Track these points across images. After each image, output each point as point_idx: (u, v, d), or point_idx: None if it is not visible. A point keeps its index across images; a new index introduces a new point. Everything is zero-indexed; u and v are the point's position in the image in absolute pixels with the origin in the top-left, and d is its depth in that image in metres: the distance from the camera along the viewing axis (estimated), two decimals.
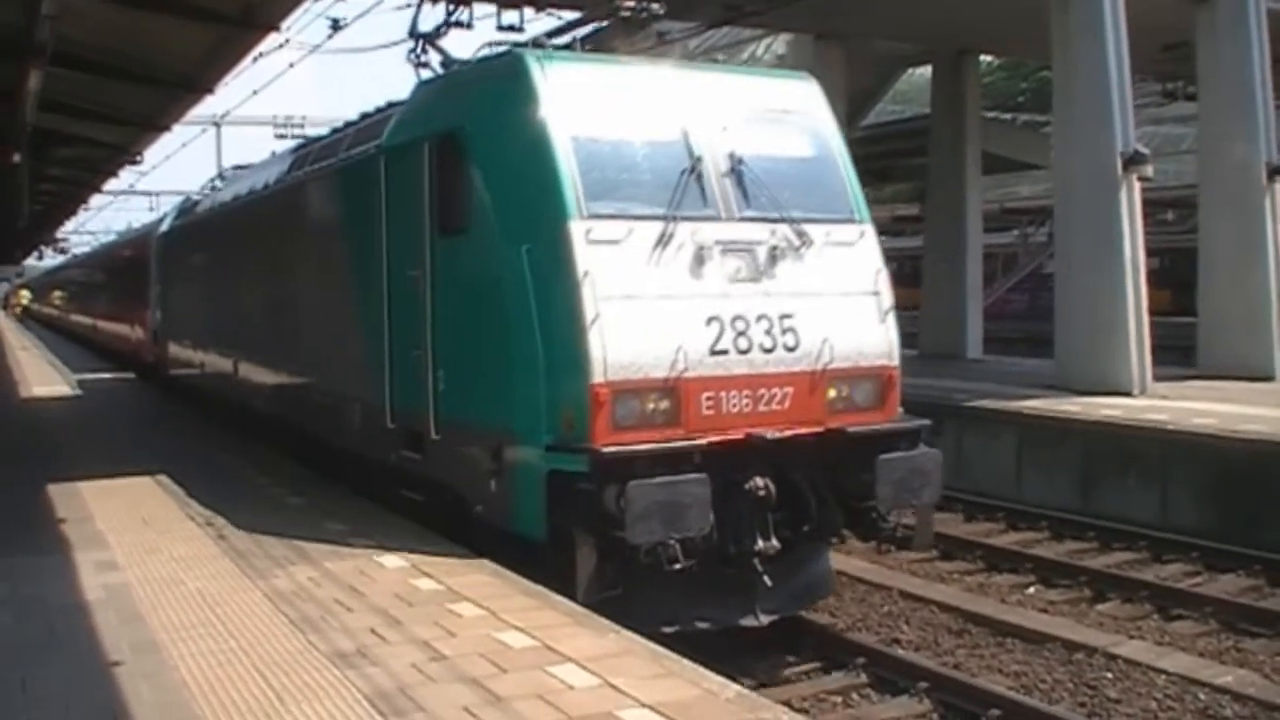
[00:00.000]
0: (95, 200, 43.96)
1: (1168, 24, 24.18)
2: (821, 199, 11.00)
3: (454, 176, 10.79)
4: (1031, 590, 13.30)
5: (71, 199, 38.76)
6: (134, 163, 28.28)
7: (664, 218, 9.99)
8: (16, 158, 20.48)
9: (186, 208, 26.41)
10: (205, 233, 22.36)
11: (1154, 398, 19.75)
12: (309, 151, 16.14)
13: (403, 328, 11.77)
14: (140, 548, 10.98)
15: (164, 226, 27.97)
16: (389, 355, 12.09)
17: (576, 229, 9.64)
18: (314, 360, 15.13)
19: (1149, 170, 20.84)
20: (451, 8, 13.61)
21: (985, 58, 37.66)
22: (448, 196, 10.94)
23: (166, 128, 21.98)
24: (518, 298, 9.80)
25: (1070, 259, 21.69)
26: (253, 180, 19.12)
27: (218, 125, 46.58)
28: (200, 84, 17.82)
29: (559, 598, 9.03)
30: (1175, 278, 36.52)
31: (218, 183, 25.08)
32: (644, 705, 6.80)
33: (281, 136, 42.92)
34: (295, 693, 7.11)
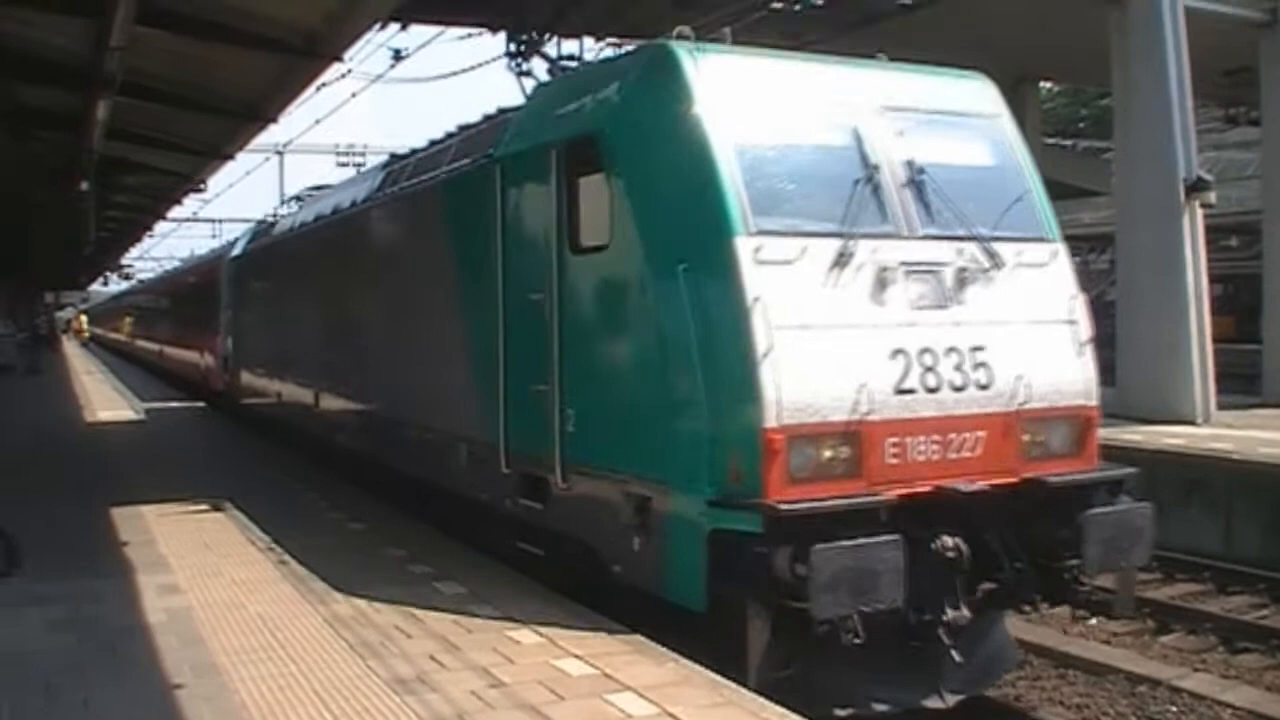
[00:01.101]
0: (159, 227, 44.54)
1: (1230, 48, 23.98)
2: (1008, 214, 9.64)
3: (589, 187, 9.63)
4: (1093, 621, 13.12)
5: (136, 226, 39.30)
6: (198, 190, 28.64)
7: (841, 235, 8.71)
8: (84, 185, 20.83)
9: (261, 230, 25.74)
10: (283, 255, 21.40)
11: (1218, 426, 19.52)
12: (403, 166, 14.97)
13: (522, 359, 10.50)
14: (202, 571, 11.08)
15: (236, 250, 27.22)
16: (504, 390, 10.83)
17: (744, 247, 8.37)
18: (409, 393, 13.99)
19: (1212, 196, 20.66)
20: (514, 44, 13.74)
21: (1045, 84, 37.41)
22: (581, 210, 9.76)
23: (230, 156, 22.22)
24: (674, 324, 8.56)
25: (1132, 286, 21.50)
26: (337, 199, 18.21)
27: (280, 153, 47.03)
28: (264, 113, 18.01)
29: (615, 625, 9.02)
30: (1239, 304, 36.16)
31: (292, 206, 24.59)
32: None
33: (343, 165, 43.40)
34: (354, 717, 7.14)
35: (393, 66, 22.87)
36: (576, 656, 8.22)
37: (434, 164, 13.33)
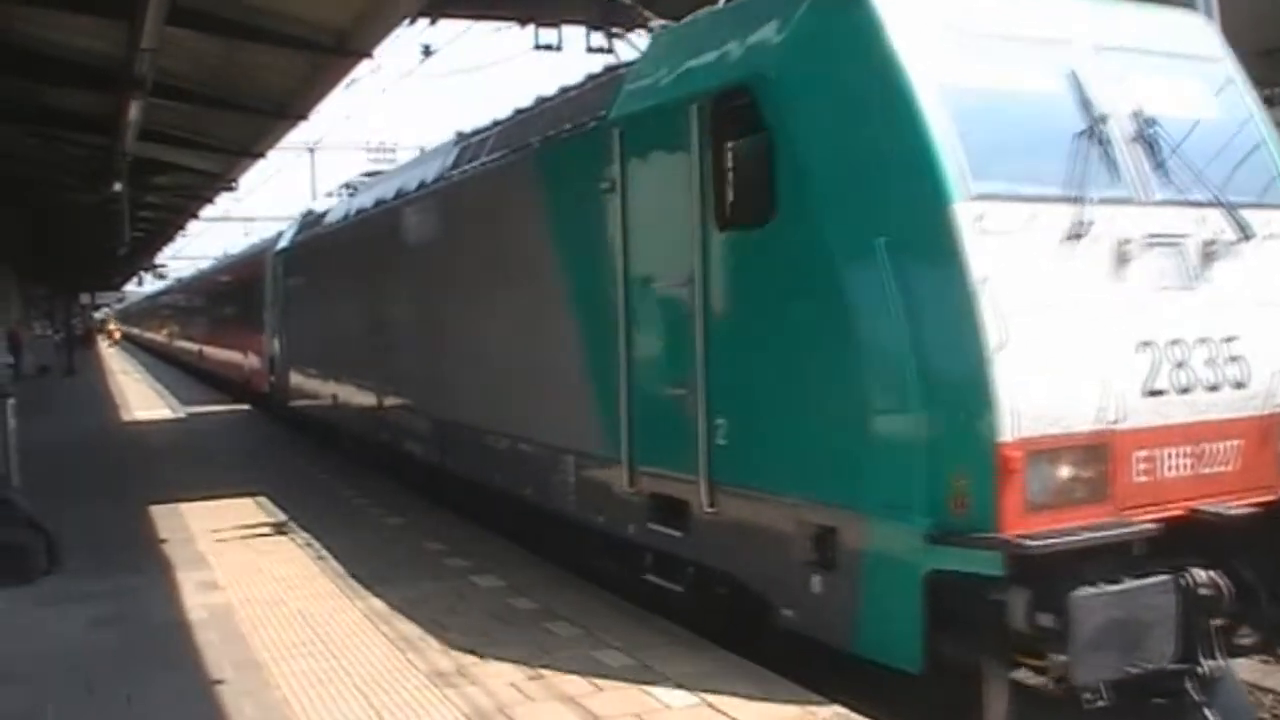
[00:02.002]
0: (192, 226, 44.74)
1: (1267, 27, 23.73)
2: (1247, 175, 7.92)
3: (744, 149, 7.89)
4: None
5: (169, 225, 39.50)
6: (229, 189, 28.76)
7: (1073, 199, 7.07)
8: (117, 186, 20.92)
9: (311, 220, 23.38)
10: (339, 246, 19.42)
11: None
12: (483, 139, 13.14)
13: (652, 358, 8.95)
14: (241, 568, 11.15)
15: (283, 243, 25.16)
16: (626, 395, 9.19)
17: (964, 214, 6.75)
18: (498, 398, 12.16)
19: None
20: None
21: None
22: (732, 177, 8.01)
23: (261, 154, 22.27)
24: (871, 313, 6.98)
25: None
26: (401, 181, 16.37)
27: (311, 151, 47.19)
28: (294, 111, 18.03)
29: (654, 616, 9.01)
30: None
31: (341, 196, 22.44)
32: None
33: (374, 162, 43.47)
34: (395, 710, 7.16)
35: (422, 62, 22.82)
36: (615, 648, 8.22)
37: (524, 134, 11.68)
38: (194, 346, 48.40)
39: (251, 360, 29.98)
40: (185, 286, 56.97)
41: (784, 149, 7.54)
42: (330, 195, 23.97)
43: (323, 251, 20.81)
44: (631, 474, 9.22)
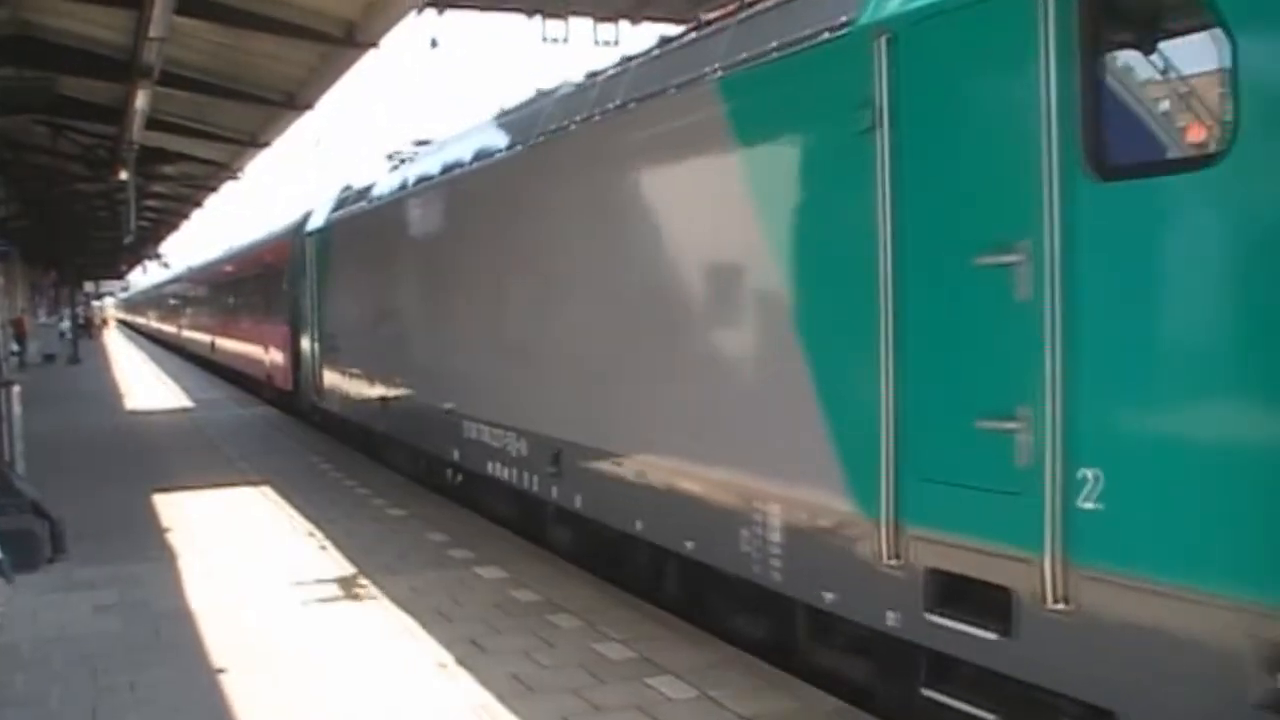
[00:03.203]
0: (195, 216, 44.77)
1: None
2: None
3: (1162, 55, 5.72)
4: None
5: (175, 215, 39.57)
6: (235, 179, 28.81)
7: None
8: (124, 175, 21.00)
9: (352, 195, 19.55)
10: (396, 222, 15.89)
11: None
12: (609, 81, 10.16)
13: (943, 369, 6.17)
14: (244, 557, 11.16)
15: (316, 222, 21.57)
16: (891, 422, 6.42)
17: None
18: (651, 415, 9.03)
19: None
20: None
21: None
22: (1133, 98, 5.75)
23: (268, 144, 22.35)
24: None
25: None
26: (480, 142, 13.19)
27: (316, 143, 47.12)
28: (302, 101, 18.12)
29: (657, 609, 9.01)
30: None
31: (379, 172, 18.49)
32: (742, 718, 6.79)
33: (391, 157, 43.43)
34: (397, 700, 7.18)
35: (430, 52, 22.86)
36: (616, 640, 8.25)
37: (683, 65, 8.76)
38: (205, 338, 45.02)
39: (273, 355, 27.13)
40: (196, 274, 52.73)
41: (1254, 49, 4.82)
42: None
43: (372, 230, 17.38)
44: (895, 538, 6.41)
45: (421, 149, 16.91)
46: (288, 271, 24.70)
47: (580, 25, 17.32)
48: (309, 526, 12.51)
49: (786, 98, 7.45)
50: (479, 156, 12.93)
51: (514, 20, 19.72)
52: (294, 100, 18.13)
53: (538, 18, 17.77)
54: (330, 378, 20.43)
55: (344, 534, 12.03)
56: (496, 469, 12.08)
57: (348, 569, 10.56)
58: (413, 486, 15.24)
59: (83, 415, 25.98)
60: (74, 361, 47.46)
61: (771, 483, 7.48)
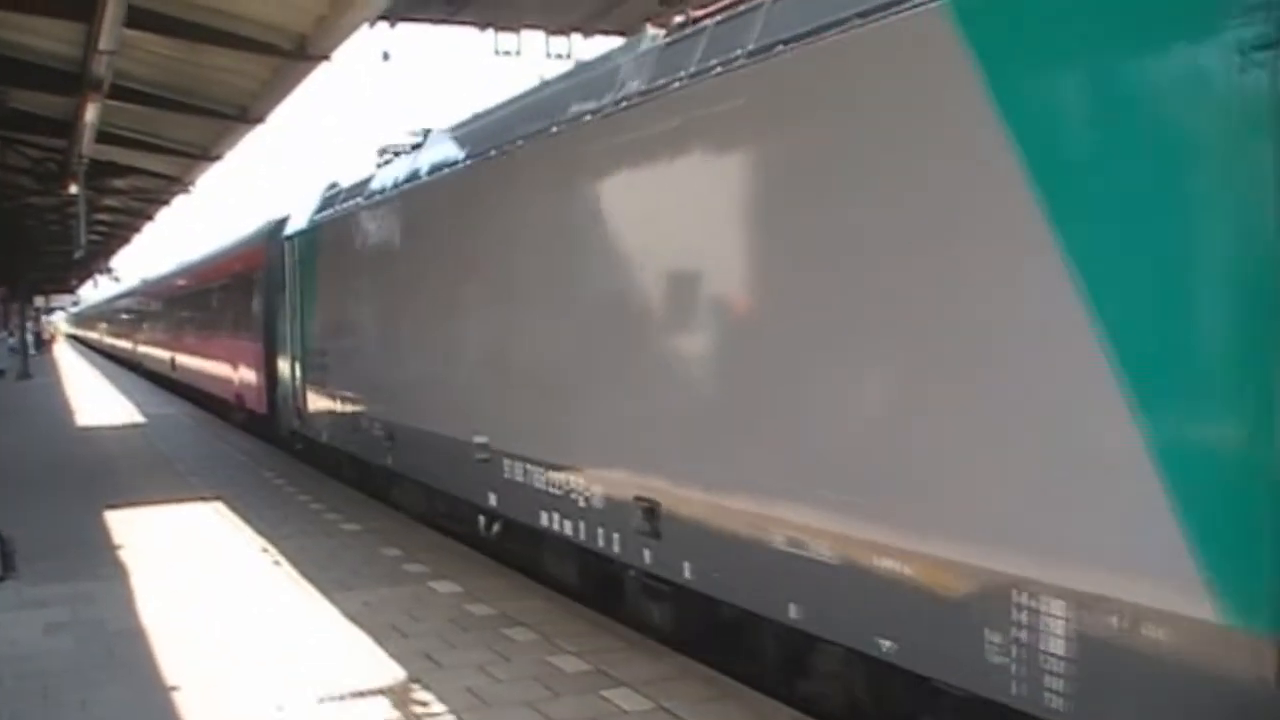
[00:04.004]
0: (148, 229, 44.39)
1: None
2: None
3: None
4: None
5: (126, 229, 39.29)
6: (186, 192, 28.60)
7: None
8: (74, 189, 20.83)
9: (338, 194, 17.17)
10: (408, 218, 13.53)
11: None
12: (688, 39, 8.06)
13: None
14: (198, 573, 11.09)
15: (298, 224, 19.18)
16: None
17: None
18: (846, 461, 6.37)
19: None
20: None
21: None
22: None
23: (219, 157, 22.23)
24: None
25: None
26: (520, 114, 10.77)
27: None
28: (254, 114, 18.04)
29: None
30: None
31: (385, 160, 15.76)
32: None
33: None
34: (355, 716, 7.16)
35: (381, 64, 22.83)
36: (572, 653, 8.25)
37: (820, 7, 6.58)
38: (164, 354, 41.69)
39: (244, 373, 24.28)
40: (154, 285, 49.03)
41: None
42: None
43: (375, 228, 14.81)
44: None
45: (431, 136, 13.98)
46: (261, 280, 22.47)
47: (533, 38, 17.37)
48: (262, 542, 12.44)
49: (1084, 13, 4.97)
50: (516, 138, 10.43)
51: (466, 33, 19.84)
52: (246, 114, 18.03)
53: (490, 31, 17.83)
54: (317, 401, 17.65)
55: (297, 550, 11.98)
56: (553, 521, 9.46)
57: (301, 585, 10.51)
58: (369, 502, 15.16)
59: (33, 431, 25.74)
60: (24, 377, 46.96)
61: (1048, 566, 5.06)
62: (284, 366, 20.04)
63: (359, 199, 15.60)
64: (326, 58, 14.34)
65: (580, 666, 7.97)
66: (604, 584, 9.46)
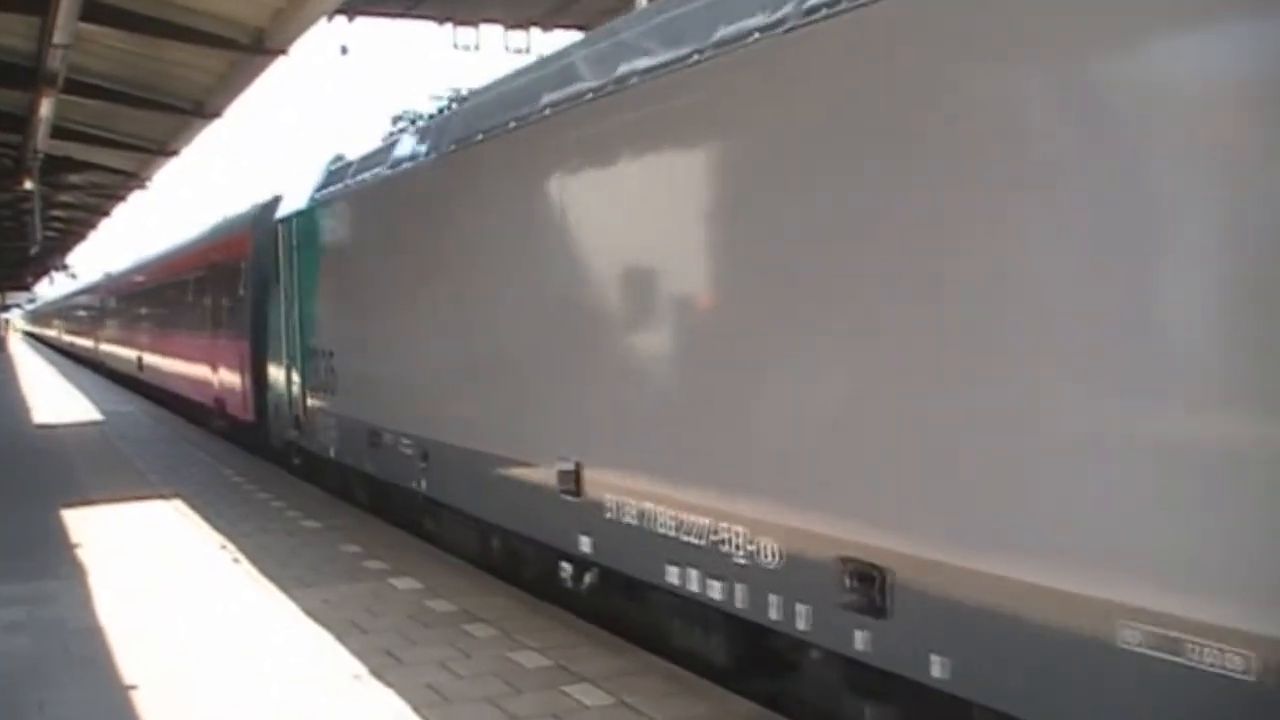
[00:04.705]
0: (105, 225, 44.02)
1: None
2: None
3: None
4: None
5: (83, 225, 39.00)
6: (143, 188, 28.42)
7: None
8: (29, 185, 20.67)
9: (345, 168, 14.61)
10: (463, 185, 10.56)
11: None
12: None
13: None
14: (157, 571, 11.02)
15: (295, 204, 16.52)
16: None
17: None
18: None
19: None
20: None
21: None
22: None
23: (176, 152, 22.11)
24: None
25: None
26: (578, 68, 8.72)
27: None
28: (210, 109, 17.95)
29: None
30: None
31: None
32: None
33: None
34: (312, 714, 7.14)
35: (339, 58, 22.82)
36: (533, 649, 8.26)
37: None
38: (130, 354, 38.34)
39: (225, 375, 21.78)
40: (119, 278, 44.73)
41: None
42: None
43: (406, 200, 12.17)
44: None
45: (477, 91, 11.56)
46: (248, 270, 19.77)
47: (491, 32, 17.34)
48: (221, 540, 12.37)
49: None
50: (581, 94, 8.42)
51: (425, 27, 19.79)
52: (203, 108, 17.93)
53: (449, 25, 17.79)
54: (322, 408, 15.14)
55: (257, 547, 11.92)
56: (689, 580, 7.12)
57: (261, 582, 10.47)
58: (332, 500, 15.08)
59: None
60: None
61: None
62: (276, 368, 17.48)
63: (380, 169, 12.93)
64: (284, 52, 14.29)
65: (541, 662, 7.97)
66: (766, 663, 7.21)
